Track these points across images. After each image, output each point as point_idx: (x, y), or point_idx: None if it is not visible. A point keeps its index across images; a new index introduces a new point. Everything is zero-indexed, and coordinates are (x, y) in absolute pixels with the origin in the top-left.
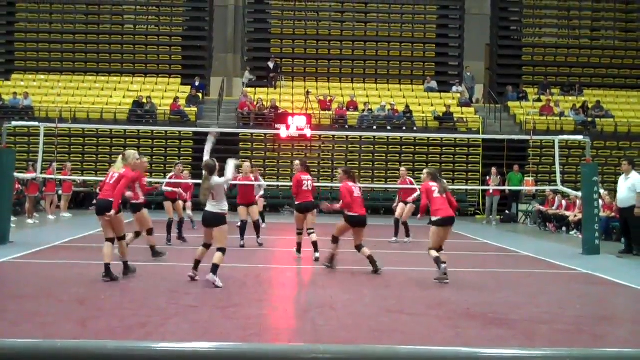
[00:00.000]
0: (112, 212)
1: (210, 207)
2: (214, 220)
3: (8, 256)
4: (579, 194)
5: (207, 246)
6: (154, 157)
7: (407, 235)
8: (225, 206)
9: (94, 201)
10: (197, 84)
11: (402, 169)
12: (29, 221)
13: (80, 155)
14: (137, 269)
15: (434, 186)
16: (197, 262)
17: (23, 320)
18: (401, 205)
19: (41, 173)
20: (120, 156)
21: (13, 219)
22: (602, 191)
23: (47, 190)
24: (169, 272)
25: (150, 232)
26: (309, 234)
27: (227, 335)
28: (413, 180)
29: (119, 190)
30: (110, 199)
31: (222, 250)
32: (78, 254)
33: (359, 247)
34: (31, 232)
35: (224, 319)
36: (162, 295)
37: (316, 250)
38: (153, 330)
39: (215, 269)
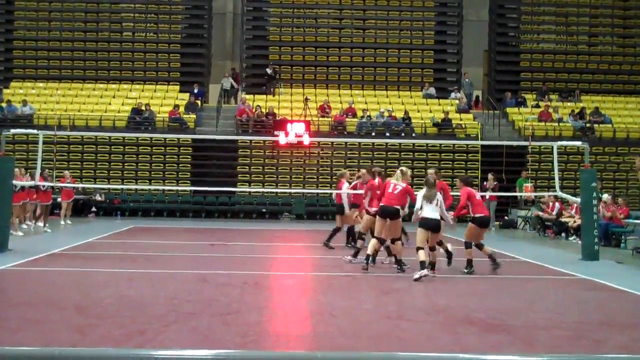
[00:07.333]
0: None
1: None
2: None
3: (7, 264)
4: (578, 199)
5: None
6: (153, 165)
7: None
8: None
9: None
10: (195, 91)
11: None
12: (28, 229)
13: (79, 163)
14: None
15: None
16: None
17: (22, 327)
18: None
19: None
20: (399, 171)
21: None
22: (606, 196)
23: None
24: (168, 279)
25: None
26: None
27: (226, 342)
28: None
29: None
30: (396, 206)
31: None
32: (76, 262)
33: (479, 246)
34: (29, 239)
35: (223, 326)
36: (161, 303)
37: None
38: (152, 338)
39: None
